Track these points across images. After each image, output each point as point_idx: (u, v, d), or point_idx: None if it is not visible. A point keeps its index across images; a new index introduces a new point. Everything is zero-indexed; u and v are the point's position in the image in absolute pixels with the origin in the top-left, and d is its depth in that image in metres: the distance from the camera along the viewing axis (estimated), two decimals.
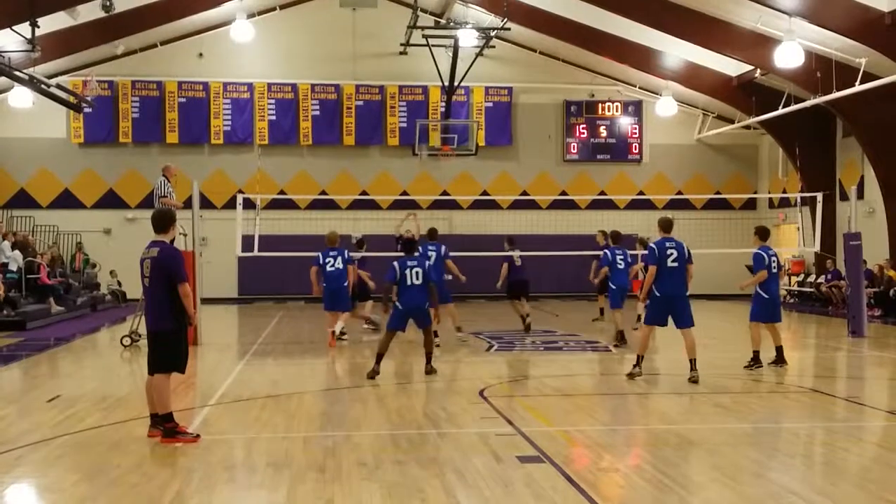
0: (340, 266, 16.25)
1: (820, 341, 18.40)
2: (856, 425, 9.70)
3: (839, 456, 8.23)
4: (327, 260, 16.33)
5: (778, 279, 13.57)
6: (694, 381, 11.81)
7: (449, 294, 16.83)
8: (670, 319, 12.21)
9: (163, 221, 8.96)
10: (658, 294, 12.05)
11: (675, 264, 11.96)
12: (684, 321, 12.10)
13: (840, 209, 26.00)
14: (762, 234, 13.66)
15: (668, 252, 11.97)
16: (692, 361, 12.00)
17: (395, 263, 12.61)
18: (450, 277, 17.30)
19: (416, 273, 12.49)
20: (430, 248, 16.53)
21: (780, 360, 13.32)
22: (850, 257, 19.05)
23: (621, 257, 16.89)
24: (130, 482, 7.25)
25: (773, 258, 13.31)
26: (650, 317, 12.37)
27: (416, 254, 13.36)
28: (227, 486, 7.23)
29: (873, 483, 7.11)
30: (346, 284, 16.32)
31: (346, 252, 16.58)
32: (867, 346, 16.93)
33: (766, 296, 13.27)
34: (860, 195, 23.55)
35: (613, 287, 16.92)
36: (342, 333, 16.79)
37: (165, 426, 8.62)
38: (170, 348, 8.73)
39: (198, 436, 8.69)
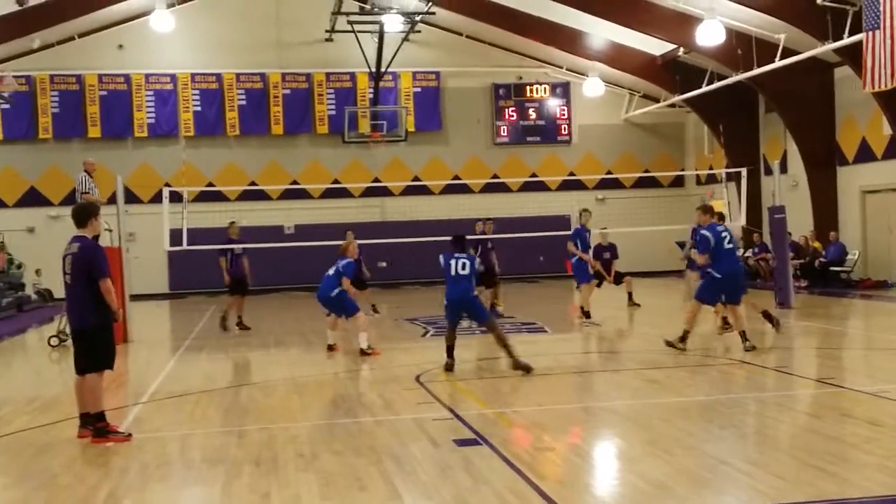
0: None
1: (749, 313, 18.70)
2: (785, 395, 9.91)
3: (769, 425, 8.41)
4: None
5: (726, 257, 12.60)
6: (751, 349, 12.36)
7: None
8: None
9: (83, 216, 8.73)
10: (719, 275, 12.50)
11: (731, 246, 12.65)
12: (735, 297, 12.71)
13: (765, 183, 26.55)
14: (710, 211, 13.11)
15: (723, 235, 12.54)
16: (742, 333, 12.54)
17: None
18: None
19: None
20: None
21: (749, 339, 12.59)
22: (776, 230, 19.46)
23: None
24: (62, 484, 7.09)
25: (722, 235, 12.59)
26: (705, 295, 12.81)
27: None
28: (160, 483, 7.11)
29: (801, 450, 7.27)
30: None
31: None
32: (794, 316, 17.30)
33: (717, 275, 12.56)
34: (783, 169, 24.04)
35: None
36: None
37: (97, 426, 8.43)
38: (98, 346, 8.51)
39: (129, 434, 8.52)
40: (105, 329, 8.58)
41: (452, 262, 12.07)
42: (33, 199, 28.59)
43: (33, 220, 28.49)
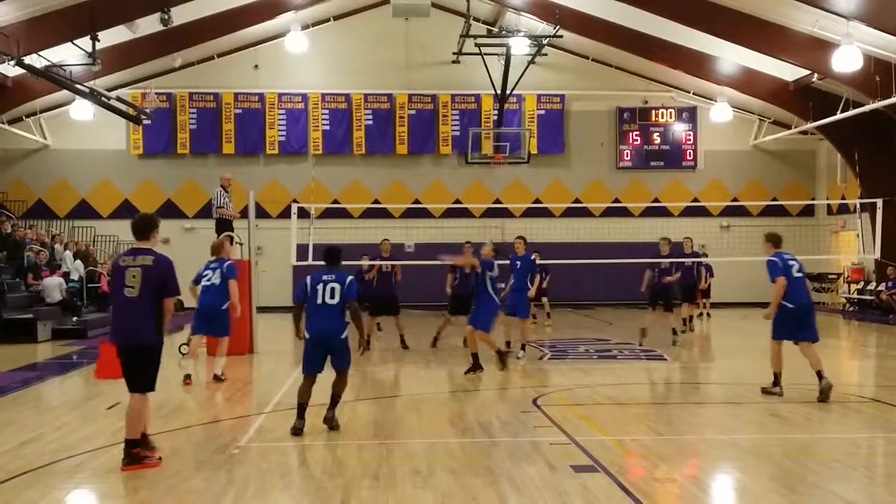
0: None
1: (881, 350, 18.03)
2: None
3: None
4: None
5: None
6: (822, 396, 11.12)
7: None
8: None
9: (144, 227, 8.19)
10: (791, 305, 11.36)
11: (800, 275, 11.50)
12: (809, 335, 11.47)
13: None
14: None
15: (790, 263, 11.47)
16: (819, 373, 11.17)
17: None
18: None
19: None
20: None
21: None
22: None
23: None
24: (188, 489, 7.37)
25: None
26: (778, 331, 11.56)
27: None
28: (282, 493, 7.31)
29: None
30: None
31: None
32: None
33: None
34: None
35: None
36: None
37: (130, 452, 7.92)
38: (150, 366, 8.01)
39: (160, 459, 8.13)
40: (160, 349, 8.07)
41: (319, 287, 9.62)
42: (170, 211, 29.71)
43: (169, 231, 29.45)
